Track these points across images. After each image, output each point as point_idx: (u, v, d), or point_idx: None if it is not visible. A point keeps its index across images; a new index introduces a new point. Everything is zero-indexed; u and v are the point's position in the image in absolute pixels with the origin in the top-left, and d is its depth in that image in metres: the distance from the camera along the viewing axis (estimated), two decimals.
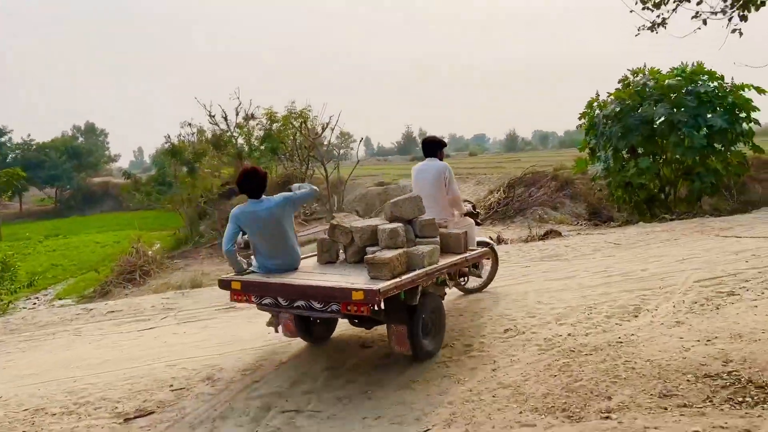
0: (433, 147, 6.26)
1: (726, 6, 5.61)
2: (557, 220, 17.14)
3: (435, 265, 4.86)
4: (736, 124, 13.07)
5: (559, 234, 11.31)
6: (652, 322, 5.39)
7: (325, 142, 31.39)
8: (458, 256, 5.33)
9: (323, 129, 29.38)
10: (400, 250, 4.70)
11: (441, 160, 6.33)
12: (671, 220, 12.57)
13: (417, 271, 4.64)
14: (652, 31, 5.91)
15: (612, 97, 14.74)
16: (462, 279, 6.27)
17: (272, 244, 4.95)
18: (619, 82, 15.17)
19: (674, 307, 5.80)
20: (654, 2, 5.77)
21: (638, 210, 14.78)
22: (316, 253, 5.45)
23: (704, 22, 5.42)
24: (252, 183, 4.92)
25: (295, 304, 4.59)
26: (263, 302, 4.79)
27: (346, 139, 37.28)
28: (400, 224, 5.05)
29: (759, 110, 13.06)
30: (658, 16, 5.82)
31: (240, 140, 31.84)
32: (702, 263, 7.61)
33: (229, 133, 31.78)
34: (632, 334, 5.06)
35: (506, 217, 18.71)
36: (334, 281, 4.54)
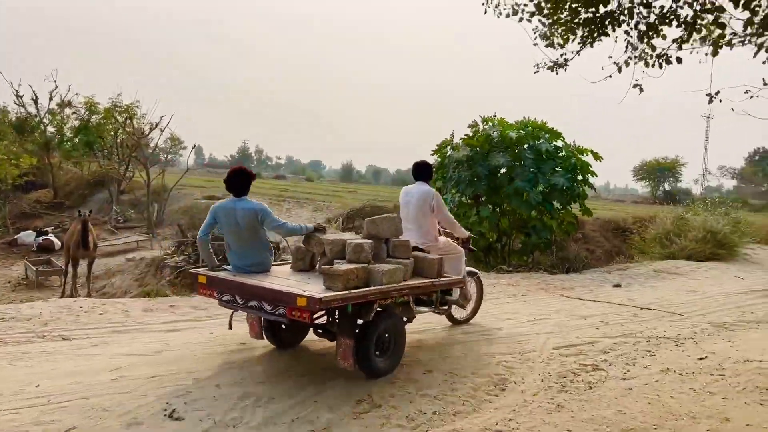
0: (423, 171, 6.25)
1: (634, 57, 5.18)
2: None
3: (392, 285, 4.84)
4: (575, 185, 13.46)
5: None
6: (525, 401, 4.63)
7: (152, 144, 28.61)
8: (423, 280, 5.28)
9: (151, 129, 26.70)
10: (358, 265, 4.78)
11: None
12: (508, 271, 12.49)
13: (369, 288, 4.68)
14: (553, 71, 5.33)
15: (462, 142, 14.60)
16: (444, 306, 6.15)
17: (243, 243, 5.10)
18: (468, 127, 15.11)
19: (542, 381, 5.14)
20: (559, 41, 5.20)
21: (475, 258, 14.68)
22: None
23: (618, 70, 4.92)
24: (239, 181, 5.11)
25: (249, 303, 4.74)
26: (223, 298, 4.96)
27: (176, 145, 34.34)
28: (369, 241, 5.10)
29: (597, 175, 13.63)
30: (562, 56, 5.25)
31: (51, 128, 27.96)
32: (554, 326, 7.20)
33: (38, 119, 27.75)
34: (510, 419, 4.23)
35: None
36: (285, 285, 4.60)
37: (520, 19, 5.51)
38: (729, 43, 4.50)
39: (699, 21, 4.76)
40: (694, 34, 4.78)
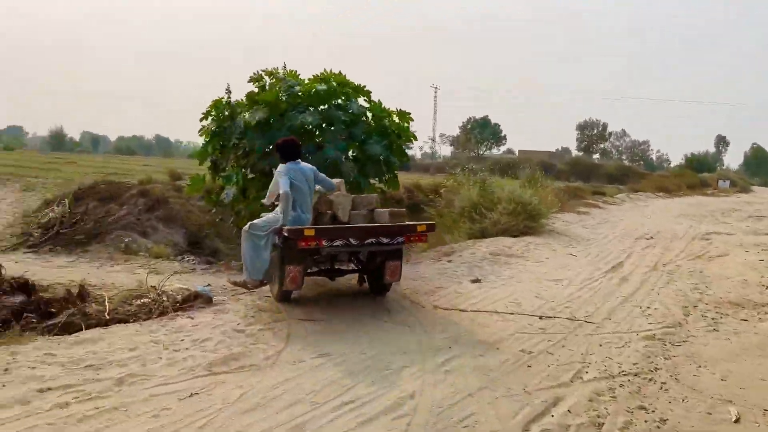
0: (299, 150, 7.08)
1: None
2: (153, 252, 12.58)
3: None
4: (392, 155, 11.06)
5: (210, 301, 6.93)
6: None
7: None
8: None
9: None
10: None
11: None
12: None
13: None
14: None
15: (248, 99, 11.06)
16: None
17: (307, 199, 6.54)
18: (251, 81, 11.60)
19: None
20: None
21: None
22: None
23: None
24: (297, 149, 6.84)
25: (366, 242, 6.26)
26: (334, 244, 6.17)
27: None
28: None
29: (416, 139, 11.38)
30: None
31: None
32: (503, 378, 4.71)
33: None
34: None
35: (75, 243, 13.08)
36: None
37: None
38: None
39: None
40: None
